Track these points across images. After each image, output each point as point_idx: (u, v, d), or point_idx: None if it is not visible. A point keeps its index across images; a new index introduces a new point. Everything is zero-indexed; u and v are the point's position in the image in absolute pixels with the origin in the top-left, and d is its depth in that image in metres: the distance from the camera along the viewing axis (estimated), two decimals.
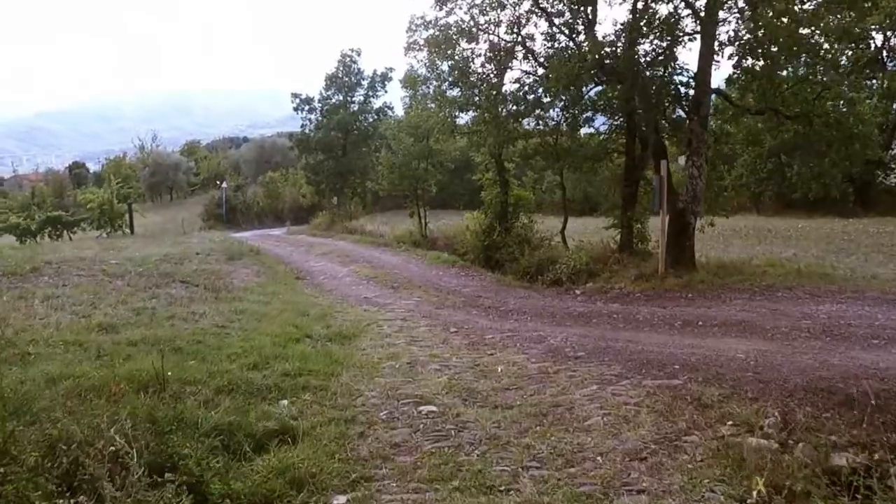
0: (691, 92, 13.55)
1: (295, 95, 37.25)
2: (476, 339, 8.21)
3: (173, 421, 4.53)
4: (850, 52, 12.41)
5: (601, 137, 16.35)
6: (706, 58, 12.72)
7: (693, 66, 13.45)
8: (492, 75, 16.16)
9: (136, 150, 72.95)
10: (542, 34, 15.29)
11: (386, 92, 37.16)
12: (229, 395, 5.37)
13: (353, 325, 8.99)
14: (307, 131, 37.50)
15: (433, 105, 19.06)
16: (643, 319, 9.38)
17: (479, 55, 15.67)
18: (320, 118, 36.89)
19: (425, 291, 13.29)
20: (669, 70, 14.11)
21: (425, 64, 17.43)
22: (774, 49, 12.22)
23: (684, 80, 14.00)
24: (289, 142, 48.98)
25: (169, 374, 5.58)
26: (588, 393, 5.69)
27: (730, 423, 4.88)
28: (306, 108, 37.03)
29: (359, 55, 37.18)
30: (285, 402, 5.49)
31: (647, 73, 13.84)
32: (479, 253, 18.72)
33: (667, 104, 14.22)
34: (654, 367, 6.39)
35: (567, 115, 15.51)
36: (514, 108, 15.74)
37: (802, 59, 12.91)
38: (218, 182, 50.51)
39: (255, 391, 5.60)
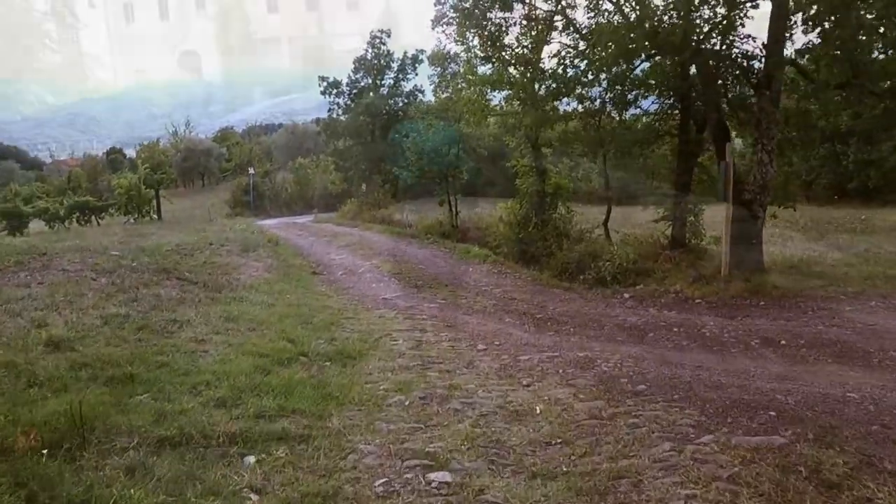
0: (757, 65, 11.79)
1: (322, 79, 35.99)
2: (508, 360, 6.72)
3: None
4: None
5: (650, 119, 14.59)
6: (778, 23, 10.92)
7: (756, 36, 11.73)
8: (527, 50, 14.55)
9: (170, 136, 72.95)
10: (584, 2, 13.63)
11: (416, 75, 35.71)
12: (174, 452, 4.00)
13: (362, 339, 7.59)
14: (335, 116, 36.31)
15: (463, 83, 17.46)
16: (710, 335, 7.78)
17: (514, 24, 14.08)
18: (348, 102, 35.63)
19: (452, 292, 11.88)
20: (731, 39, 12.28)
21: (454, 39, 15.87)
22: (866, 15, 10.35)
23: (750, 50, 12.19)
24: (317, 127, 47.99)
25: (111, 414, 4.29)
26: (660, 456, 4.16)
27: None
28: (334, 91, 35.78)
29: (388, 36, 35.74)
30: (252, 459, 4.12)
31: (707, 45, 12.07)
32: (513, 246, 17.11)
33: (730, 79, 12.42)
34: (741, 413, 4.83)
35: (613, 94, 13.82)
36: (553, 86, 14.11)
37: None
38: (249, 168, 49.72)
39: (213, 443, 4.23)
